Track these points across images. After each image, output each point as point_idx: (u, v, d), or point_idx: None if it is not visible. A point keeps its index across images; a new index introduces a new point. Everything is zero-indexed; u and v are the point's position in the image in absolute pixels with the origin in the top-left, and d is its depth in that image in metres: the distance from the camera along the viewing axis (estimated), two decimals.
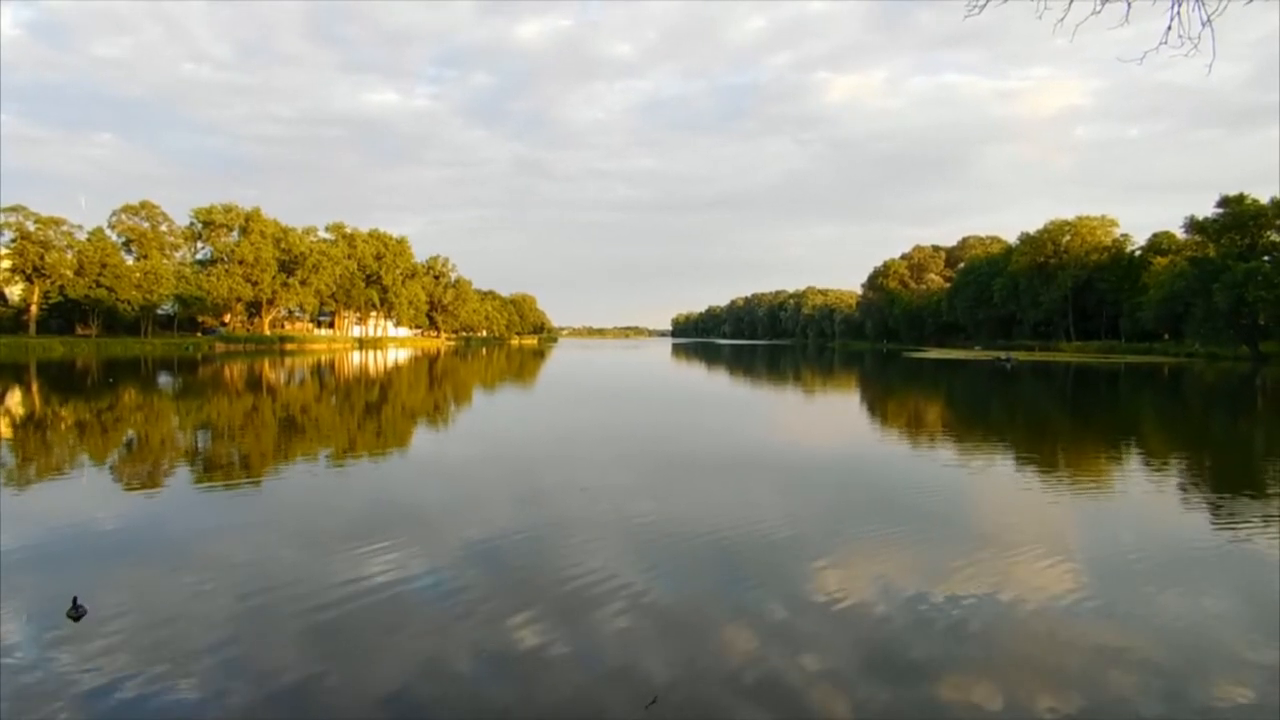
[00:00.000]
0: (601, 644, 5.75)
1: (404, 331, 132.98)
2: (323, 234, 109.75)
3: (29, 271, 69.68)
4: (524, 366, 60.48)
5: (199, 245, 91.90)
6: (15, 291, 74.17)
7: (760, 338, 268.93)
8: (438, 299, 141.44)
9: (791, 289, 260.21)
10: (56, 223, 71.39)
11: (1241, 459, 16.61)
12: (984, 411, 28.57)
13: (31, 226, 69.46)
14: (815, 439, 19.51)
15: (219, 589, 6.89)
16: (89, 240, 74.62)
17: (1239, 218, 72.02)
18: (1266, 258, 68.93)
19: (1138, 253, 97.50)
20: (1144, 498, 11.48)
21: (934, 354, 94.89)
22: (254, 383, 37.46)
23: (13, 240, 69.13)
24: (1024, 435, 20.44)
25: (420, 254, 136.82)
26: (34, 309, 71.31)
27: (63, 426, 19.99)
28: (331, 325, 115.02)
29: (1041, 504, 11.07)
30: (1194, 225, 77.01)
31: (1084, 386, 39.44)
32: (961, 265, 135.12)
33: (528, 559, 7.89)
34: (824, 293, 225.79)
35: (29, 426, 19.99)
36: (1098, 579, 7.34)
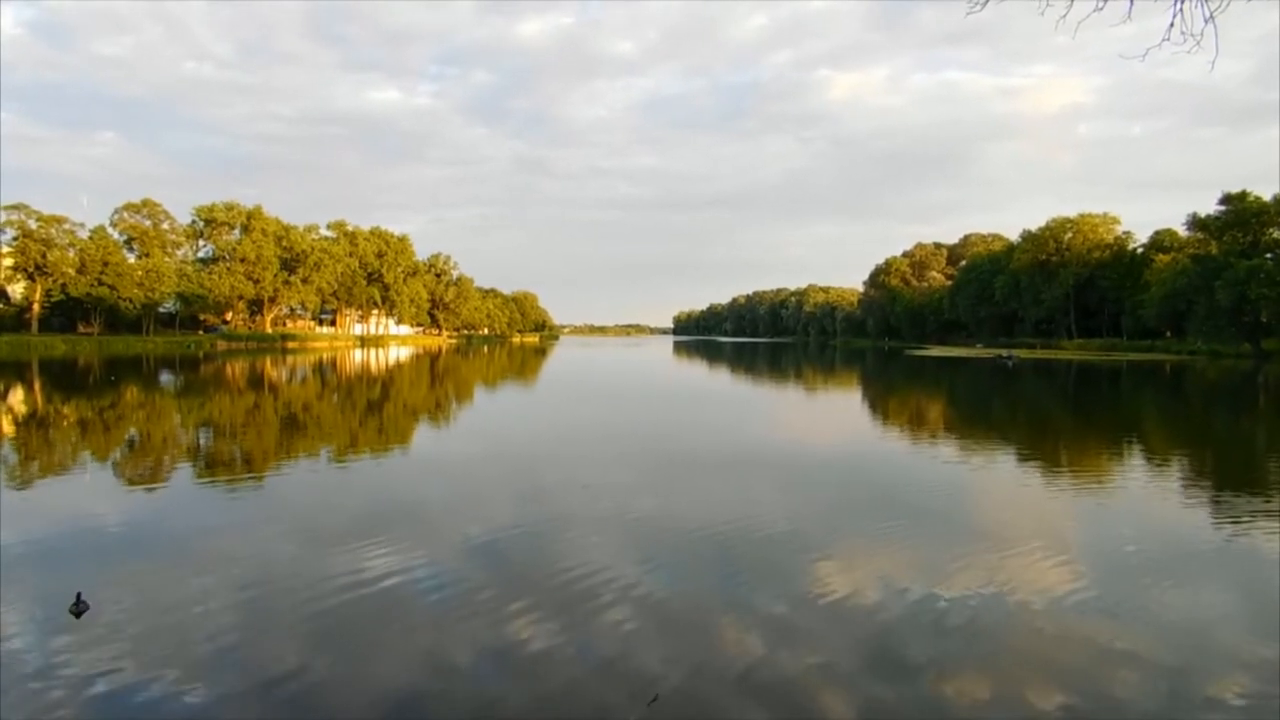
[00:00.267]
0: (603, 641, 5.76)
1: (405, 329, 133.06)
2: (324, 232, 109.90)
3: (31, 270, 69.76)
4: (525, 364, 60.51)
5: (201, 243, 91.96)
6: (17, 290, 74.24)
7: (762, 335, 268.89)
8: (439, 297, 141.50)
9: (793, 287, 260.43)
10: (58, 221, 71.44)
11: (1243, 456, 16.60)
12: (985, 409, 28.56)
13: (33, 225, 69.51)
14: (816, 437, 19.51)
15: (220, 586, 6.90)
16: (91, 239, 74.69)
17: (1241, 215, 71.96)
18: (1269, 255, 68.92)
19: (1140, 250, 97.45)
20: (1145, 495, 11.48)
21: (935, 352, 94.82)
22: (256, 381, 37.51)
23: (15, 238, 69.17)
24: (1025, 433, 20.43)
25: (422, 252, 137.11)
26: (36, 307, 71.38)
27: (65, 424, 20.03)
28: (333, 323, 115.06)
29: (1042, 501, 11.08)
30: (1196, 223, 76.98)
31: (1086, 384, 39.41)
32: (963, 263, 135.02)
33: (529, 556, 7.90)
34: (825, 290, 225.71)
35: (32, 424, 20.02)
36: (1098, 576, 7.34)
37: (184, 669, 5.24)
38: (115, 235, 78.97)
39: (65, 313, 75.29)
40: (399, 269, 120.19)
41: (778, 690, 4.99)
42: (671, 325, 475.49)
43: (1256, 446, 18.21)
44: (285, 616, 6.22)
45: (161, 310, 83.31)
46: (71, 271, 71.22)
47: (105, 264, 72.94)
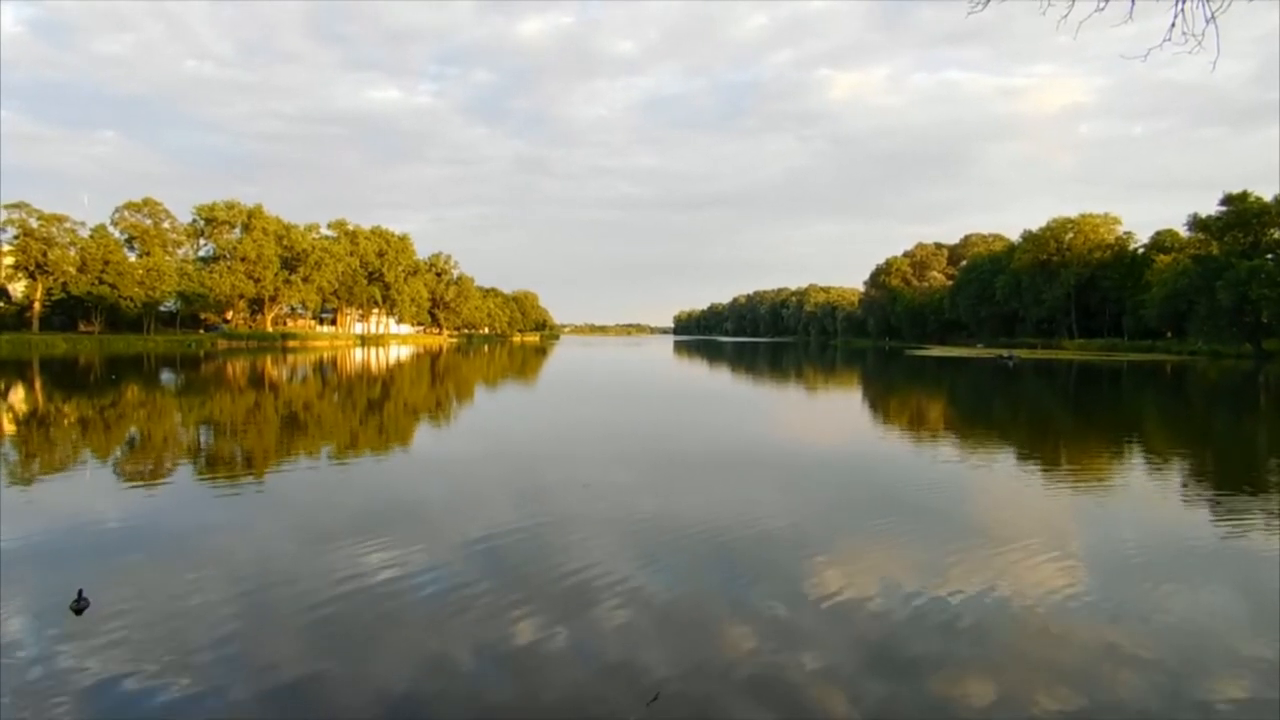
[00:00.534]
0: (603, 640, 5.76)
1: (406, 328, 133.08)
2: (325, 231, 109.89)
3: (32, 268, 69.78)
4: (526, 364, 60.52)
5: (201, 242, 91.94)
6: (18, 288, 74.25)
7: (762, 335, 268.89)
8: (440, 296, 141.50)
9: (794, 286, 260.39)
10: (59, 220, 71.46)
11: (1243, 457, 16.59)
12: (986, 409, 28.55)
13: (34, 223, 69.53)
14: (817, 436, 19.51)
15: (221, 585, 6.91)
16: (91, 237, 74.72)
17: (1242, 215, 71.91)
18: (1270, 256, 68.90)
19: (1141, 250, 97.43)
20: (1145, 495, 11.47)
21: (936, 352, 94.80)
22: (256, 380, 37.52)
23: (15, 237, 69.19)
24: (1026, 433, 20.43)
25: (422, 251, 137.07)
26: (37, 306, 71.42)
27: (66, 423, 20.04)
28: (334, 322, 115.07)
29: (1043, 501, 11.07)
30: (1197, 223, 76.93)
31: (1086, 384, 39.40)
32: (964, 263, 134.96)
33: (529, 555, 7.90)
34: (826, 290, 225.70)
35: (33, 423, 20.04)
36: (1099, 576, 7.34)
37: (184, 667, 5.25)
38: (116, 234, 79.01)
39: (66, 311, 75.32)
40: (399, 268, 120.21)
41: (778, 690, 4.99)
42: (672, 325, 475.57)
43: (1257, 447, 18.20)
44: (286, 616, 6.22)
45: (162, 309, 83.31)
46: (72, 270, 71.25)
47: (106, 263, 72.95)
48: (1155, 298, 79.95)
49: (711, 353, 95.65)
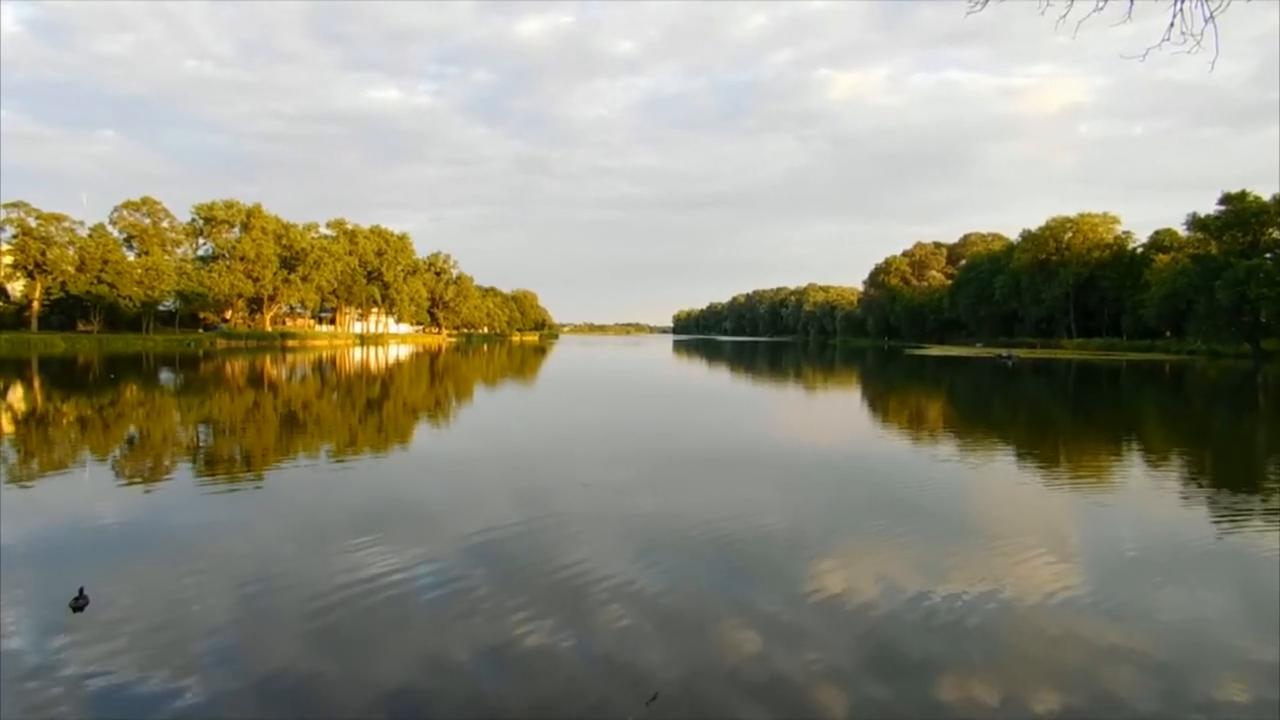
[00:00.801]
0: (602, 640, 5.76)
1: (405, 328, 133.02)
2: (324, 230, 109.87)
3: (30, 268, 69.67)
4: (525, 363, 60.51)
5: (200, 241, 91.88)
6: (17, 288, 74.14)
7: (761, 334, 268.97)
8: (439, 295, 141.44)
9: (793, 286, 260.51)
10: (58, 219, 71.34)
11: (1242, 456, 16.60)
12: (985, 409, 28.56)
13: (33, 223, 69.42)
14: (816, 436, 19.52)
15: (220, 584, 6.91)
16: (90, 236, 74.61)
17: (1241, 215, 71.98)
18: (1268, 255, 68.97)
19: (1140, 250, 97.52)
20: (1145, 495, 11.49)
21: (935, 351, 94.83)
22: (255, 379, 37.50)
23: (14, 236, 69.07)
24: (1025, 432, 20.44)
25: (422, 251, 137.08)
26: (36, 305, 71.32)
27: (65, 422, 20.02)
28: (333, 321, 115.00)
29: (1042, 501, 11.08)
30: (1196, 223, 77.01)
31: (1085, 384, 39.42)
32: (963, 262, 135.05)
33: (529, 555, 7.90)
34: (825, 289, 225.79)
35: (31, 422, 20.02)
36: (1098, 576, 7.35)
37: (184, 667, 5.25)
38: (115, 233, 78.91)
39: (65, 310, 75.23)
40: (399, 267, 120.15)
41: (777, 689, 4.99)
42: (671, 324, 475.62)
43: (1255, 446, 18.22)
44: (285, 615, 6.22)
45: (161, 308, 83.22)
46: (71, 269, 71.14)
47: (105, 262, 72.86)
48: (1154, 297, 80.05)
49: (710, 352, 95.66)
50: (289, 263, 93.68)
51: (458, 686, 5.05)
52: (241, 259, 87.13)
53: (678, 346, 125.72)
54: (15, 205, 69.39)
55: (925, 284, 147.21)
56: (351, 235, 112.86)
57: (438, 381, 38.84)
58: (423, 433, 18.96)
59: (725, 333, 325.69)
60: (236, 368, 45.34)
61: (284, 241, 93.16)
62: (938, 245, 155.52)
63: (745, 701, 4.83)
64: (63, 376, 36.88)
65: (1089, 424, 23.20)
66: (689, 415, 23.28)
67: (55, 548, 8.09)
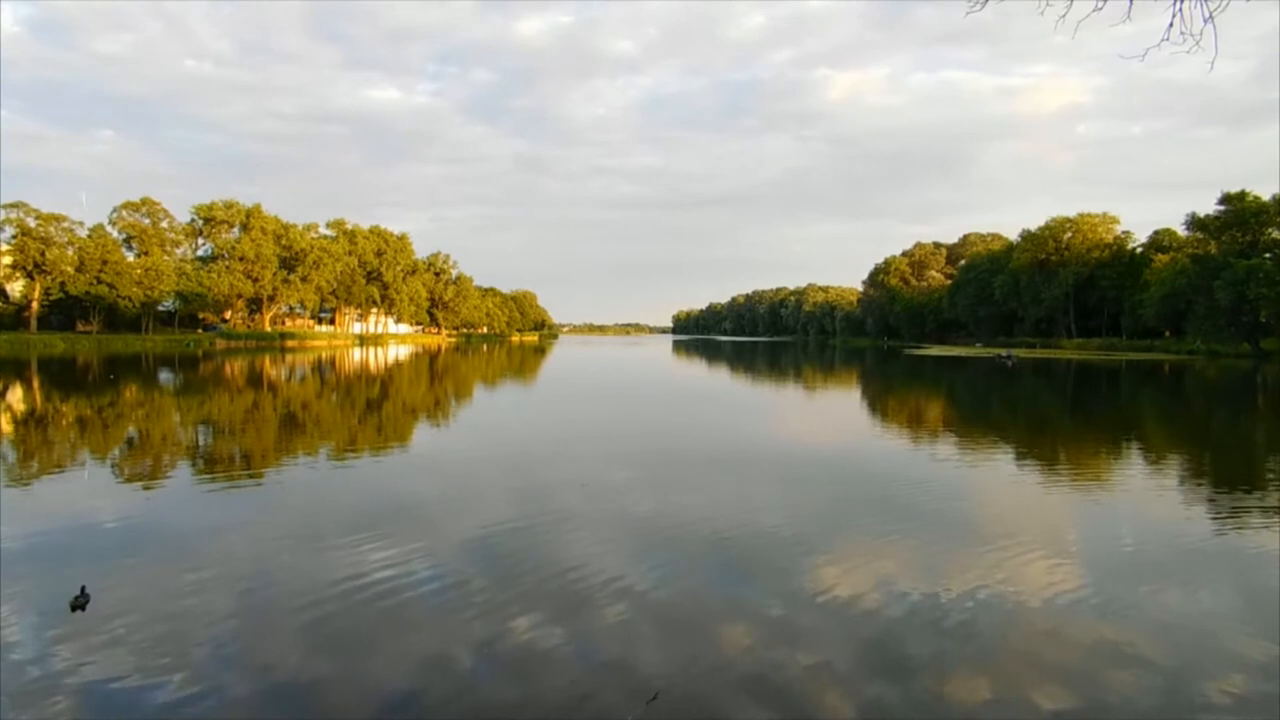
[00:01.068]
0: (602, 640, 5.76)
1: (404, 328, 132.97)
2: (323, 230, 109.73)
3: (30, 268, 69.62)
4: (525, 363, 60.50)
5: (200, 242, 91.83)
6: (16, 288, 74.07)
7: (761, 334, 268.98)
8: (438, 296, 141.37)
9: (792, 286, 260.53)
10: (57, 219, 71.28)
11: (1242, 456, 16.61)
12: (985, 409, 28.57)
13: (32, 223, 69.36)
14: (815, 436, 19.52)
15: (220, 584, 6.91)
16: (90, 237, 74.55)
17: (1240, 215, 71.95)
18: (1268, 255, 68.94)
19: (1139, 250, 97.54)
20: (1144, 494, 11.49)
21: (935, 351, 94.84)
22: (255, 379, 37.48)
23: (13, 237, 69.02)
24: (1025, 432, 20.44)
25: (421, 251, 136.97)
26: (35, 305, 71.26)
27: (64, 423, 20.01)
28: (332, 322, 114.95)
29: (1041, 501, 11.08)
30: (1195, 222, 76.93)
31: (1085, 384, 39.42)
32: (963, 262, 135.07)
33: (528, 555, 7.90)
34: (825, 290, 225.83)
35: (31, 422, 20.01)
36: (1098, 575, 7.35)
37: (183, 667, 5.24)
38: (114, 233, 78.83)
39: (64, 311, 75.20)
40: (398, 268, 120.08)
41: (776, 689, 5.00)
42: (671, 324, 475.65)
43: (1255, 446, 18.23)
44: (285, 615, 6.22)
45: (160, 309, 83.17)
46: (70, 270, 71.09)
47: (104, 262, 72.81)
48: (1153, 297, 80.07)
49: (710, 352, 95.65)
50: (288, 263, 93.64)
51: (457, 686, 5.05)
52: (241, 259, 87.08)
53: (677, 347, 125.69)
54: (14, 205, 69.37)
55: (925, 284, 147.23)
56: (351, 235, 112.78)
57: (437, 382, 38.83)
58: (422, 433, 18.96)
59: (725, 333, 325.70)
60: (236, 368, 45.32)
61: (283, 242, 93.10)
62: (937, 245, 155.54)
63: (745, 701, 4.83)
64: (62, 377, 36.86)
65: (1088, 424, 23.20)
66: (688, 415, 23.28)
67: (55, 548, 8.08)
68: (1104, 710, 4.76)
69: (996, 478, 13.04)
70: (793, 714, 4.70)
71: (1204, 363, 60.47)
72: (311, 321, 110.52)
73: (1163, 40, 5.07)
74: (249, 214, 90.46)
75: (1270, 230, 72.11)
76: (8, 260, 70.17)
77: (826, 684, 5.09)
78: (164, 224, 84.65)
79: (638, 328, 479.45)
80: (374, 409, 24.58)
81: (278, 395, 29.19)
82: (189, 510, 9.99)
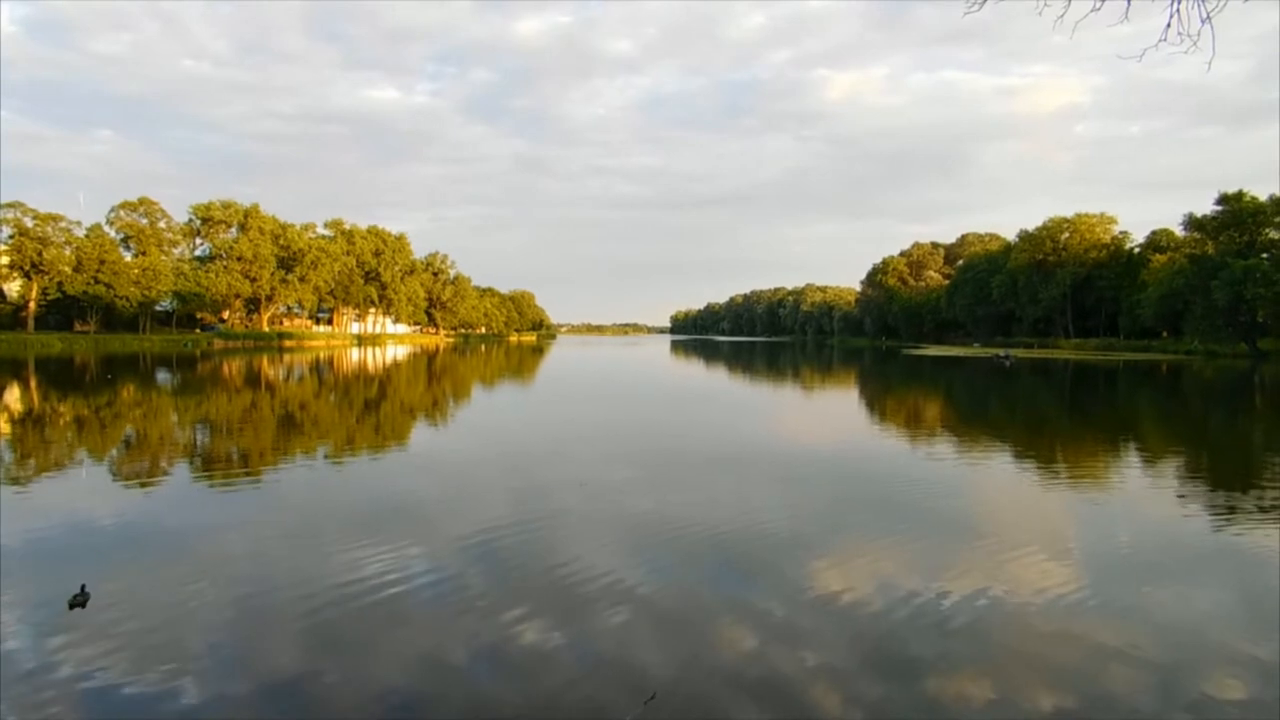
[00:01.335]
0: (600, 639, 5.76)
1: (402, 328, 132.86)
2: (321, 230, 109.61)
3: (27, 268, 69.50)
4: (523, 363, 60.48)
5: (198, 242, 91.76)
6: (13, 288, 73.94)
7: (759, 334, 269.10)
8: (436, 296, 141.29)
9: (791, 286, 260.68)
10: (55, 219, 71.17)
11: (1239, 456, 16.63)
12: (983, 409, 28.59)
13: (30, 223, 69.24)
14: (813, 436, 19.52)
15: (219, 584, 6.90)
16: (87, 237, 74.43)
17: (1238, 215, 72.06)
18: (1265, 255, 69.02)
19: (1137, 250, 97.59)
20: (1142, 494, 11.51)
21: (933, 351, 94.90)
22: (253, 379, 37.44)
23: (11, 236, 68.90)
24: (1022, 432, 20.45)
25: (421, 251, 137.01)
26: (32, 305, 71.12)
27: (62, 422, 19.98)
28: (330, 322, 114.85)
29: (1039, 501, 11.09)
30: (1193, 222, 77.04)
31: (1083, 384, 39.47)
32: (961, 262, 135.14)
33: (526, 554, 7.90)
34: (823, 290, 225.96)
35: (28, 422, 19.97)
36: (1096, 575, 7.36)
37: (182, 666, 5.24)
38: (112, 233, 78.74)
39: (62, 311, 75.07)
40: (396, 268, 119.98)
41: (775, 689, 5.00)
42: (669, 324, 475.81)
43: (1252, 446, 18.25)
44: (283, 614, 6.21)
45: (158, 309, 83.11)
46: (68, 269, 70.98)
47: (102, 262, 72.71)
48: (1151, 297, 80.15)
49: (708, 352, 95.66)
50: (286, 263, 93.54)
51: (456, 686, 5.05)
52: (239, 259, 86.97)
53: (675, 347, 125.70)
54: (12, 205, 69.26)
55: (923, 284, 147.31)
56: (349, 235, 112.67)
57: (435, 382, 38.81)
58: (420, 433, 18.95)
59: (723, 333, 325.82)
60: (233, 368, 45.27)
61: (281, 242, 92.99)
62: (935, 245, 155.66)
63: (743, 701, 4.83)
64: (60, 377, 36.80)
65: (1086, 424, 23.23)
66: (686, 415, 23.28)
67: (53, 547, 8.07)
68: (1103, 710, 4.76)
69: (995, 478, 13.05)
70: (792, 714, 4.70)
71: (1201, 363, 60.56)
72: (309, 321, 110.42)
73: (1160, 40, 5.08)
74: (247, 214, 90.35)
75: (1268, 230, 72.23)
76: (5, 260, 70.03)
77: (825, 684, 5.09)
78: (162, 224, 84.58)
79: (636, 328, 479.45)
80: (372, 409, 24.56)
81: (275, 395, 29.16)
82: (187, 510, 9.98)
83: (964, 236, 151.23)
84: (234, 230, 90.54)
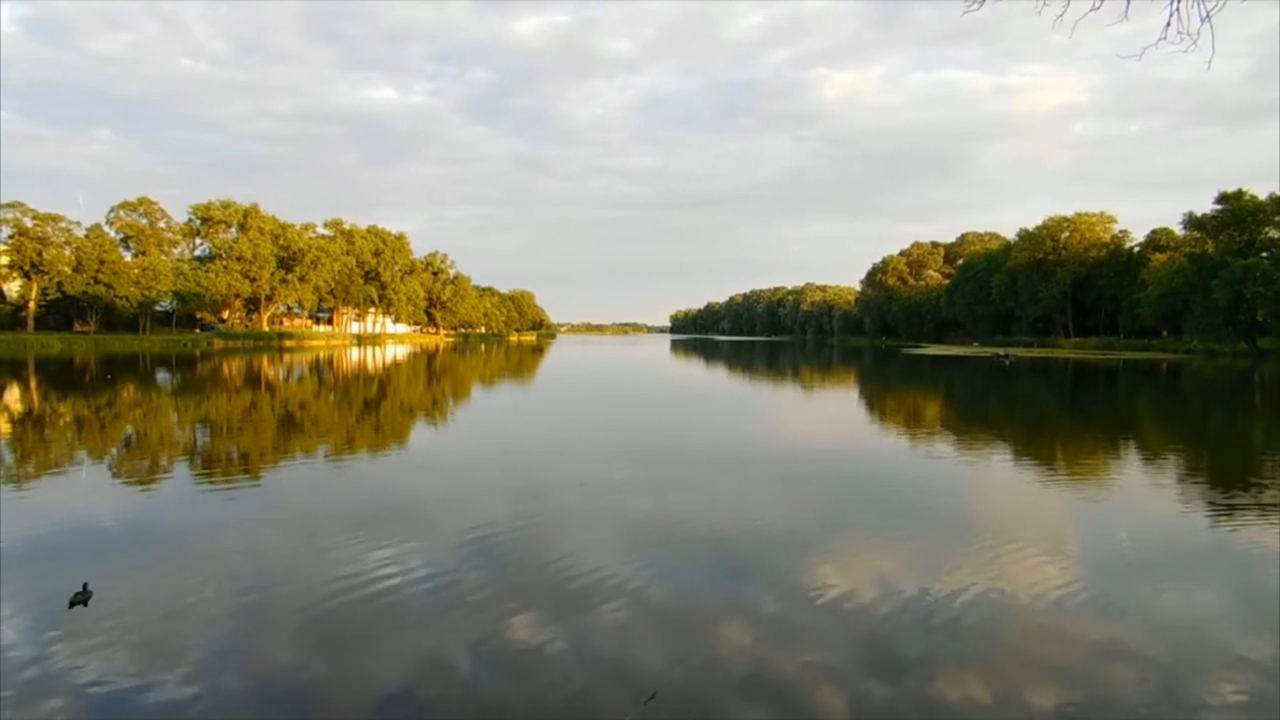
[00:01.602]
0: (600, 639, 5.76)
1: (402, 328, 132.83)
2: (321, 230, 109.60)
3: (27, 268, 69.50)
4: (523, 363, 60.46)
5: (197, 242, 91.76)
6: (13, 288, 73.91)
7: (759, 334, 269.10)
8: (436, 295, 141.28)
9: (790, 285, 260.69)
10: (54, 219, 71.17)
11: (1239, 455, 16.63)
12: (982, 408, 28.59)
13: (29, 223, 69.23)
14: (813, 435, 19.52)
15: (219, 584, 6.90)
16: (87, 237, 74.43)
17: (1237, 214, 72.07)
18: (1265, 254, 69.04)
19: (1136, 249, 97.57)
20: (1142, 493, 11.51)
21: (932, 350, 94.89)
22: (253, 379, 37.43)
23: (10, 236, 68.90)
24: (1022, 431, 20.45)
25: (419, 251, 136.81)
26: (32, 305, 71.12)
27: (62, 423, 19.97)
28: (330, 322, 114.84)
29: (1039, 500, 11.09)
30: (1193, 222, 77.05)
31: (1082, 383, 39.47)
32: (960, 262, 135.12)
33: (526, 554, 7.90)
34: (823, 289, 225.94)
35: (28, 423, 19.97)
36: (1096, 574, 7.36)
37: (182, 665, 5.24)
38: (112, 233, 78.75)
39: (61, 311, 75.06)
40: (396, 267, 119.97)
41: (775, 688, 5.00)
42: (669, 324, 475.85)
43: (1252, 444, 18.25)
44: (283, 614, 6.21)
45: (158, 309, 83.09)
46: (68, 270, 70.97)
47: (101, 262, 72.71)
48: (1151, 296, 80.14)
49: (708, 352, 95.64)
50: (286, 263, 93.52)
51: (455, 685, 5.05)
52: (238, 259, 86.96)
53: (675, 346, 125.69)
54: (11, 205, 69.25)
55: (923, 283, 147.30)
56: (349, 235, 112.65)
57: (435, 382, 38.80)
58: (420, 433, 18.95)
59: (723, 332, 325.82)
60: (234, 368, 45.26)
61: (281, 241, 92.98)
62: (935, 245, 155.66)
63: (743, 700, 4.83)
64: (60, 377, 36.79)
65: (1086, 423, 23.23)
66: (686, 414, 23.28)
67: (54, 547, 8.07)
68: (1103, 709, 4.76)
69: (994, 477, 13.05)
70: (791, 713, 4.70)
71: (1201, 362, 60.56)
72: (309, 321, 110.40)
73: (1160, 39, 5.08)
74: (246, 214, 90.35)
75: (1267, 229, 72.25)
76: (5, 260, 70.01)
77: (825, 683, 5.09)
78: (161, 224, 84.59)
79: (636, 327, 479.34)
80: (372, 409, 24.56)
81: (275, 395, 29.16)
82: (187, 510, 9.98)
83: (964, 236, 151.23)
84: (234, 230, 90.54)
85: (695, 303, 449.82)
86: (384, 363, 56.39)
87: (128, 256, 78.54)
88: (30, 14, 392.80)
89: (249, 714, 4.68)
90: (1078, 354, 78.49)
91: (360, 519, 9.28)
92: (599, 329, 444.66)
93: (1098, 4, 5.22)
